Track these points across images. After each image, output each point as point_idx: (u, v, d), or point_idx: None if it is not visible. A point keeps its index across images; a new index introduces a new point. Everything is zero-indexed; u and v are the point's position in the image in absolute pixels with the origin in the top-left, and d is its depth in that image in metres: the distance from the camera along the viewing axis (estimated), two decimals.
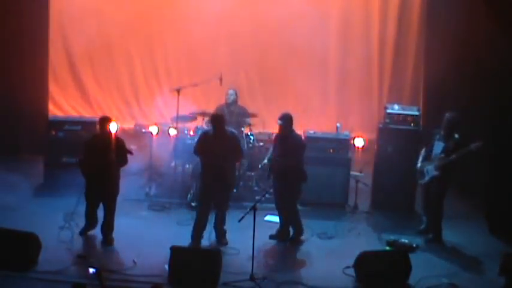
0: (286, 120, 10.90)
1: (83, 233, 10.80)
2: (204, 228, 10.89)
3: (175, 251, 9.73)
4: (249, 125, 13.36)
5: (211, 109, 13.29)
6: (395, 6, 15.66)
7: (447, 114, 11.16)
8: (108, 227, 10.69)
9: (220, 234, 10.94)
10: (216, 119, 10.88)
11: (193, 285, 9.49)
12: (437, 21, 14.25)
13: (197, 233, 10.84)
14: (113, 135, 10.73)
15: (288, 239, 11.12)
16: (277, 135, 11.15)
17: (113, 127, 10.78)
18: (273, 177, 11.05)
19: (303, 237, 11.15)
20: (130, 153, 10.87)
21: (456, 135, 11.07)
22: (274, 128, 12.04)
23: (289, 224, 11.09)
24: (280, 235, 11.16)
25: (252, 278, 9.67)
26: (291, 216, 11.04)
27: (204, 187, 10.90)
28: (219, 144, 10.68)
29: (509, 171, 11.59)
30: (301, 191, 11.06)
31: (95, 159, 10.51)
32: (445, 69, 13.53)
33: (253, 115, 13.58)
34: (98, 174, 10.50)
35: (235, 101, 13.27)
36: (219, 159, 10.63)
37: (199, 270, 9.56)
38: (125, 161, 10.72)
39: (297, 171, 10.87)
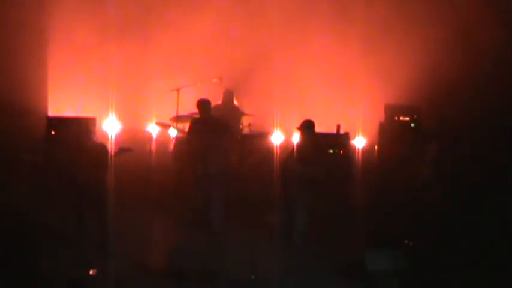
0: (312, 128, 10.97)
1: None
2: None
3: None
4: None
5: None
6: (396, 6, 15.66)
7: None
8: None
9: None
10: (200, 104, 11.00)
11: None
12: (438, 20, 14.26)
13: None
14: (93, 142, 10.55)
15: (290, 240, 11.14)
16: (304, 142, 11.11)
17: (110, 128, 10.74)
18: (297, 184, 11.02)
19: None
20: (129, 150, 10.77)
21: None
22: (272, 128, 12.10)
23: (300, 225, 11.07)
24: (283, 235, 11.17)
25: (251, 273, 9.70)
26: (303, 217, 11.04)
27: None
28: (205, 128, 10.81)
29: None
30: None
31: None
32: (446, 68, 13.55)
33: (252, 115, 13.65)
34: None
35: (230, 102, 13.30)
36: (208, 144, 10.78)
37: None
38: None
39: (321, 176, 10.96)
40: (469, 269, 10.37)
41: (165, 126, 13.76)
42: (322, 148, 11.05)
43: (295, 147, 11.19)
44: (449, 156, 11.03)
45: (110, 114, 13.12)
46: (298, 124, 11.21)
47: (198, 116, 11.29)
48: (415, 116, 12.62)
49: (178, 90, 13.05)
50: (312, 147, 10.94)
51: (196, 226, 11.28)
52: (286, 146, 12.60)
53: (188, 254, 9.93)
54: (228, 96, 13.91)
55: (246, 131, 13.75)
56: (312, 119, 11.10)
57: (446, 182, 11.29)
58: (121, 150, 10.55)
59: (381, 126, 12.77)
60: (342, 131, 12.96)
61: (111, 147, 10.73)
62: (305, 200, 10.95)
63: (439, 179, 11.16)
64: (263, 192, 11.76)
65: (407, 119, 12.58)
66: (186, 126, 13.46)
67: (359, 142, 12.99)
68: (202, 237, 11.05)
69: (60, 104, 15.93)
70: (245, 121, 13.90)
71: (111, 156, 10.38)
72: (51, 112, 15.13)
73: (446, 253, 10.86)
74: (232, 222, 11.17)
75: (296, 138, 11.72)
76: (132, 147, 10.88)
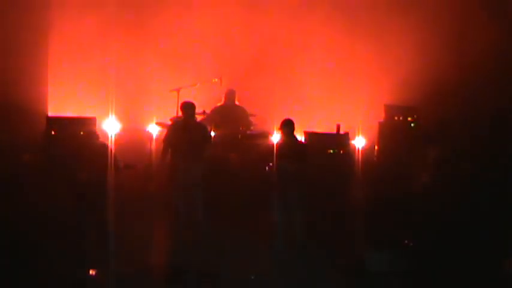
0: (292, 127, 10.98)
1: None
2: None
3: None
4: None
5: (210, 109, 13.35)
6: (396, 7, 15.68)
7: None
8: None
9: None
10: (183, 107, 11.06)
11: None
12: (437, 21, 14.28)
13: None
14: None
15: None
16: (284, 141, 11.13)
17: (110, 128, 10.75)
18: (283, 183, 11.04)
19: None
20: (133, 167, 10.85)
21: None
22: (272, 128, 12.10)
23: (298, 227, 11.08)
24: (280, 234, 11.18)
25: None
26: (300, 219, 11.06)
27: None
28: (187, 132, 10.87)
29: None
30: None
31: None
32: (446, 69, 13.57)
33: (252, 115, 13.67)
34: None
35: (232, 102, 13.33)
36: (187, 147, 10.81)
37: None
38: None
39: (306, 174, 10.96)
40: (468, 268, 10.38)
41: (165, 126, 13.76)
42: (301, 146, 11.07)
43: (276, 145, 11.29)
44: (449, 158, 11.05)
45: (110, 114, 13.13)
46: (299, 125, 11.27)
47: (181, 118, 11.35)
48: (415, 116, 12.64)
49: (178, 90, 13.06)
50: (291, 145, 10.99)
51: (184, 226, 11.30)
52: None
53: (187, 254, 9.95)
54: (231, 95, 13.92)
55: (251, 130, 13.77)
56: (291, 118, 11.17)
57: (446, 183, 11.31)
58: (125, 167, 10.60)
59: (381, 126, 12.77)
60: (342, 131, 12.96)
61: (111, 146, 10.75)
62: (294, 197, 11.00)
63: (438, 180, 11.18)
64: (262, 191, 11.78)
65: (407, 119, 12.59)
66: None
67: (359, 142, 13.00)
68: (195, 237, 11.08)
69: (60, 104, 15.94)
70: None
71: (116, 159, 10.40)
72: (51, 112, 15.13)
73: (446, 253, 10.88)
74: (231, 222, 11.15)
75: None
76: (136, 165, 10.95)
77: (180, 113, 12.90)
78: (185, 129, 11.06)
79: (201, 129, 11.40)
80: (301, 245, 11.01)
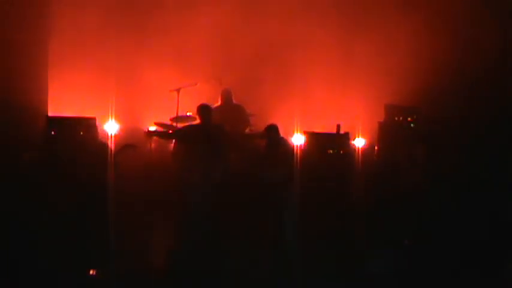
0: (276, 131, 11.03)
1: None
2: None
3: None
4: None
5: None
6: (396, 7, 15.68)
7: None
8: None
9: None
10: (202, 111, 11.02)
11: None
12: (438, 21, 14.28)
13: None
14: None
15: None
16: (270, 146, 11.17)
17: (111, 127, 10.77)
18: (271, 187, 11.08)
19: None
20: (133, 146, 10.85)
21: None
22: None
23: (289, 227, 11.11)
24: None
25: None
26: (291, 218, 11.08)
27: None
28: (210, 135, 10.86)
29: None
30: None
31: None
32: (445, 68, 13.58)
33: (252, 115, 13.67)
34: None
35: (230, 101, 13.34)
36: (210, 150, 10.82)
37: None
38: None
39: (291, 178, 11.00)
40: (467, 268, 10.39)
41: (164, 126, 13.75)
42: (283, 152, 11.12)
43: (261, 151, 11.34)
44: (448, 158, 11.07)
45: (110, 115, 13.15)
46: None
47: (197, 121, 11.27)
48: (415, 116, 12.64)
49: (178, 90, 13.06)
50: (273, 151, 11.03)
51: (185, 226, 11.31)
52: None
53: (187, 254, 9.96)
54: (227, 95, 13.92)
55: (251, 130, 13.79)
56: (275, 123, 11.22)
57: (446, 183, 11.32)
58: (124, 148, 10.63)
59: (381, 126, 12.78)
60: (342, 131, 12.97)
61: (111, 145, 10.77)
62: (281, 199, 11.04)
63: (438, 180, 11.20)
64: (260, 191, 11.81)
65: (407, 119, 12.60)
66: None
67: (359, 142, 13.01)
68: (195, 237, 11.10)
69: (60, 104, 15.94)
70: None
71: (112, 154, 10.42)
72: (51, 112, 15.13)
73: (446, 253, 10.89)
74: (231, 222, 11.17)
75: (296, 138, 11.78)
76: (135, 145, 10.96)
77: (177, 114, 12.93)
78: (207, 132, 11.01)
79: (222, 131, 11.36)
80: (294, 245, 11.03)
